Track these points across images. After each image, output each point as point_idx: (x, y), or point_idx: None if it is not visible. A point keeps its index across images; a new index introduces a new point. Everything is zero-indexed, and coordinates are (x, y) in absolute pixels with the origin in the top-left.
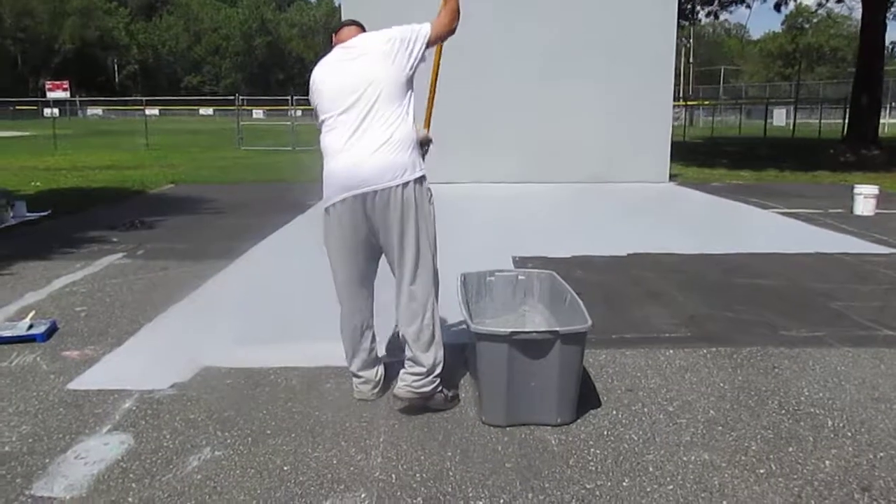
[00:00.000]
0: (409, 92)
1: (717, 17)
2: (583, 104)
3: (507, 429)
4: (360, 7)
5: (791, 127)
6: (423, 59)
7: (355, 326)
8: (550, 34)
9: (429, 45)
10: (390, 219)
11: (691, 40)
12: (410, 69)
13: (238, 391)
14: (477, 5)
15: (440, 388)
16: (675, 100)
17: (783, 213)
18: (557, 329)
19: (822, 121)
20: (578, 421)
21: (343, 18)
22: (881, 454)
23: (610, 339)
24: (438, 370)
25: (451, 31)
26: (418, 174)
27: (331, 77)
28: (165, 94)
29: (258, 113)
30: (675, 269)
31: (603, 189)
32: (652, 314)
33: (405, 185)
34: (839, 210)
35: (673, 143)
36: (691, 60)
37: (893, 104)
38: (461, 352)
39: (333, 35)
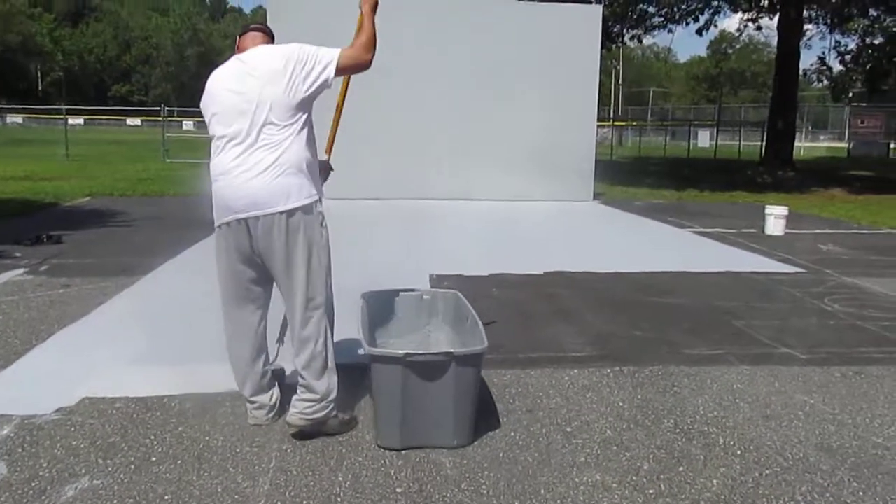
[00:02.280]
0: (303, 115)
1: (640, 40)
2: (508, 123)
3: (403, 452)
4: (286, 15)
5: (714, 148)
6: (327, 85)
7: (242, 350)
8: (475, 54)
9: (338, 73)
10: (274, 246)
11: (620, 63)
12: (306, 92)
13: (127, 416)
14: (402, 24)
15: (334, 412)
16: (605, 120)
17: (698, 233)
18: (452, 351)
19: (743, 143)
20: (476, 443)
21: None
22: (767, 471)
23: (516, 359)
24: (332, 396)
25: (366, 64)
26: (305, 200)
27: (220, 94)
28: (92, 104)
29: (188, 124)
30: (589, 287)
31: (527, 207)
32: (560, 333)
33: (291, 211)
34: (752, 230)
35: (600, 163)
36: (620, 82)
37: (809, 128)
38: (363, 373)
39: (238, 38)
